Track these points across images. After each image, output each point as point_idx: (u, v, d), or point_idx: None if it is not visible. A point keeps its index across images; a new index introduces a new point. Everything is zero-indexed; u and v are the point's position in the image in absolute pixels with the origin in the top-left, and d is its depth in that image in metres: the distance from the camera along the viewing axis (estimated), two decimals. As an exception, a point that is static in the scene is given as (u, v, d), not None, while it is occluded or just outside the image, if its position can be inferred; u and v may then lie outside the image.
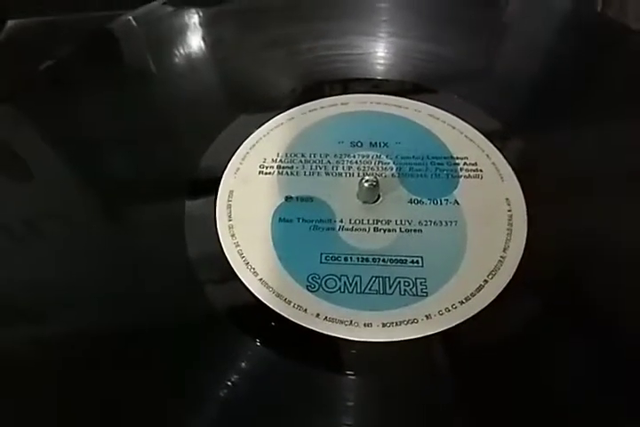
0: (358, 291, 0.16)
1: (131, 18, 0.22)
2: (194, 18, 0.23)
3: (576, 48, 0.22)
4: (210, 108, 0.20)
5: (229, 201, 0.17)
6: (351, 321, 0.15)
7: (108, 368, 0.14)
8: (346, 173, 0.18)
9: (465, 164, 0.18)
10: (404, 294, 0.15)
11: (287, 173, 0.18)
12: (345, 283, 0.16)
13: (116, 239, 0.17)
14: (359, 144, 0.19)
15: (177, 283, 0.16)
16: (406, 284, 0.16)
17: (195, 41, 0.22)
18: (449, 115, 0.20)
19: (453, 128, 0.20)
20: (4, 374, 0.14)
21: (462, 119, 0.20)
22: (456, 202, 0.17)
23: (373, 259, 0.16)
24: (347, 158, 0.19)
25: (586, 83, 0.21)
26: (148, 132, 0.19)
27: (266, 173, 0.18)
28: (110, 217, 0.17)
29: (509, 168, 0.18)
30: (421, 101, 0.20)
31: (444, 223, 0.17)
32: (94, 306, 0.15)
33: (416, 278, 0.16)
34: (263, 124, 0.19)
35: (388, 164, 0.18)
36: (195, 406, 0.14)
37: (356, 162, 0.19)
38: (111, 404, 0.14)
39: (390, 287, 0.16)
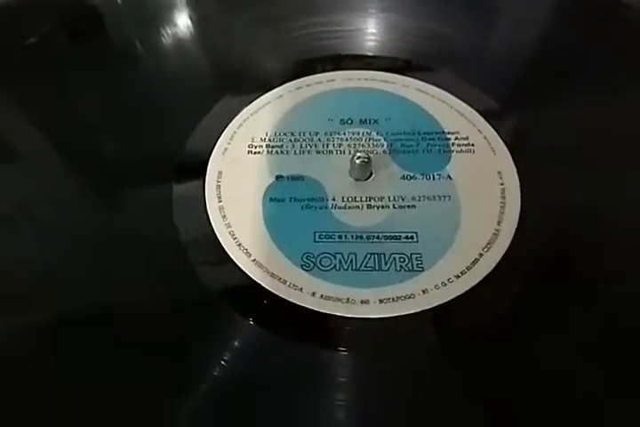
0: (354, 268, 0.15)
1: None
2: None
3: (569, 25, 0.21)
4: (196, 88, 0.19)
5: (218, 182, 0.17)
6: (348, 299, 0.15)
7: (103, 351, 0.14)
8: (337, 151, 0.18)
9: (456, 138, 0.18)
10: (400, 270, 0.15)
11: (277, 151, 0.18)
12: (340, 261, 0.15)
13: (105, 223, 0.16)
14: (349, 121, 0.19)
15: (169, 266, 0.15)
16: (402, 260, 0.15)
17: (180, 19, 0.21)
18: (438, 90, 0.20)
19: (443, 102, 0.19)
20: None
21: (452, 94, 0.20)
22: (449, 177, 0.17)
23: (367, 236, 0.16)
24: (337, 136, 0.18)
25: (578, 59, 0.21)
26: (133, 113, 0.18)
27: (255, 153, 0.18)
28: (98, 201, 0.17)
29: (501, 142, 0.18)
30: (410, 77, 0.20)
31: (437, 198, 0.17)
32: (87, 290, 0.15)
33: (411, 254, 0.16)
34: (250, 102, 0.19)
35: (379, 140, 0.18)
36: (192, 388, 0.14)
37: (347, 139, 0.18)
38: (104, 387, 0.14)
39: (386, 264, 0.15)
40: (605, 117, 0.18)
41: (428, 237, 0.16)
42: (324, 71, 0.20)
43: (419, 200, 0.17)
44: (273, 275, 0.15)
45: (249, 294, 0.15)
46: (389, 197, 0.17)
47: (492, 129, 0.19)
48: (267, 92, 0.19)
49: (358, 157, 0.17)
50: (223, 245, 0.16)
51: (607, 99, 0.19)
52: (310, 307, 0.15)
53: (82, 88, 0.19)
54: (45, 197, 0.17)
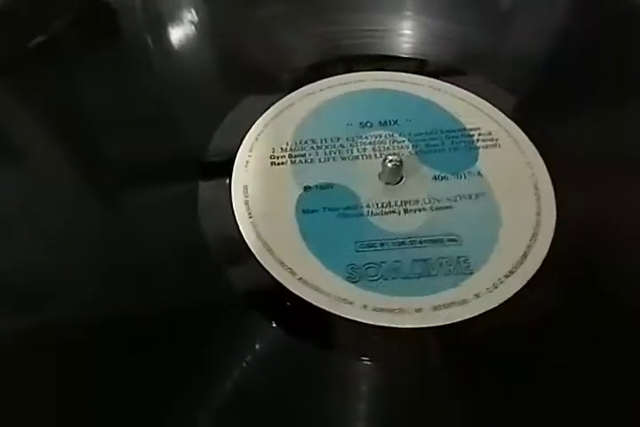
0: (401, 276, 0.15)
1: None
2: None
3: (592, 28, 0.21)
4: (209, 93, 0.18)
5: (246, 197, 0.16)
6: (400, 308, 0.14)
7: (122, 352, 0.13)
8: (362, 156, 0.17)
9: (479, 134, 0.18)
10: (449, 274, 0.15)
11: (301, 161, 0.17)
12: (386, 270, 0.15)
13: (129, 224, 0.16)
14: (369, 124, 0.18)
15: (216, 304, 0.14)
16: (449, 263, 0.15)
17: (196, 16, 0.20)
18: (449, 85, 0.19)
19: (458, 98, 0.19)
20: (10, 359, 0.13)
21: (464, 88, 0.19)
22: (479, 173, 0.17)
23: (410, 241, 0.15)
24: (360, 140, 0.18)
25: (601, 63, 0.20)
26: (148, 121, 0.17)
27: (278, 164, 0.17)
28: (118, 208, 0.16)
29: (522, 134, 0.18)
30: (422, 75, 0.20)
31: (472, 196, 0.16)
32: (109, 290, 0.14)
33: (458, 257, 0.15)
34: (265, 110, 0.18)
35: (403, 141, 0.18)
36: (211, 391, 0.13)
37: (370, 143, 0.18)
38: (121, 387, 0.13)
39: (433, 269, 0.15)
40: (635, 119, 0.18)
41: (472, 238, 0.15)
42: (335, 74, 0.19)
43: (454, 200, 0.16)
44: (321, 290, 0.14)
45: (301, 314, 0.14)
46: (425, 200, 0.16)
47: (510, 121, 0.18)
48: (282, 97, 0.18)
49: (390, 161, 0.16)
50: (265, 266, 0.15)
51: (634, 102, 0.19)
52: (363, 320, 0.14)
53: (94, 88, 0.18)
54: (68, 197, 0.16)
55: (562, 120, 0.18)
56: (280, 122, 0.18)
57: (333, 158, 0.17)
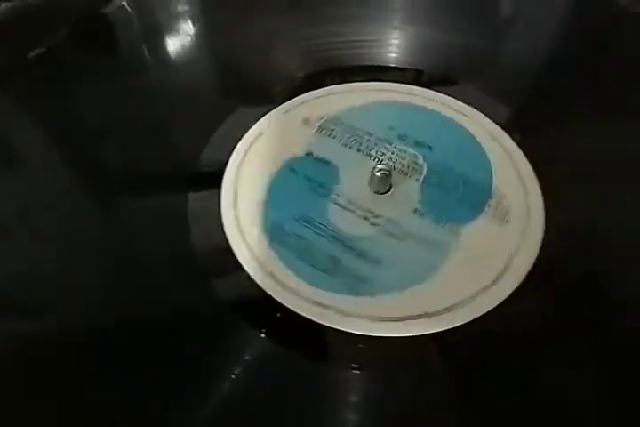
0: (308, 261, 0.16)
1: (125, 3, 0.21)
2: (191, 2, 0.22)
3: (593, 29, 0.20)
4: (203, 104, 0.19)
5: (258, 137, 0.18)
6: (286, 283, 0.15)
7: (113, 361, 0.14)
8: (375, 158, 0.18)
9: (497, 202, 0.17)
10: (345, 283, 0.15)
11: (324, 133, 0.18)
12: (302, 247, 0.16)
13: (116, 231, 0.16)
14: (405, 137, 0.18)
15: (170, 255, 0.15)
16: (353, 276, 0.15)
17: (193, 27, 0.21)
18: (516, 148, 0.18)
19: (511, 159, 0.18)
20: (11, 360, 0.14)
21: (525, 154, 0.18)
22: (458, 234, 0.16)
23: (342, 242, 0.16)
24: (385, 145, 0.18)
25: (601, 64, 0.19)
26: (137, 131, 0.18)
27: (305, 125, 0.19)
28: (112, 211, 0.17)
29: (542, 226, 0.17)
30: (497, 123, 0.19)
31: (429, 246, 0.16)
32: (99, 300, 0.15)
33: (365, 276, 0.15)
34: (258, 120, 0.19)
35: (422, 166, 0.18)
36: (199, 400, 0.13)
37: (392, 152, 0.18)
38: (108, 397, 0.13)
39: (338, 271, 0.15)
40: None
41: (391, 271, 0.15)
42: (331, 84, 0.20)
43: (411, 237, 0.16)
44: (239, 229, 0.16)
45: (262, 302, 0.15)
46: (386, 220, 0.16)
47: (542, 203, 0.17)
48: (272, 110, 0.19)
49: (379, 170, 0.16)
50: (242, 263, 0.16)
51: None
52: (245, 266, 0.15)
53: (91, 98, 0.19)
54: (55, 205, 0.16)
55: (561, 130, 0.18)
56: (331, 100, 0.19)
57: (350, 146, 0.18)
